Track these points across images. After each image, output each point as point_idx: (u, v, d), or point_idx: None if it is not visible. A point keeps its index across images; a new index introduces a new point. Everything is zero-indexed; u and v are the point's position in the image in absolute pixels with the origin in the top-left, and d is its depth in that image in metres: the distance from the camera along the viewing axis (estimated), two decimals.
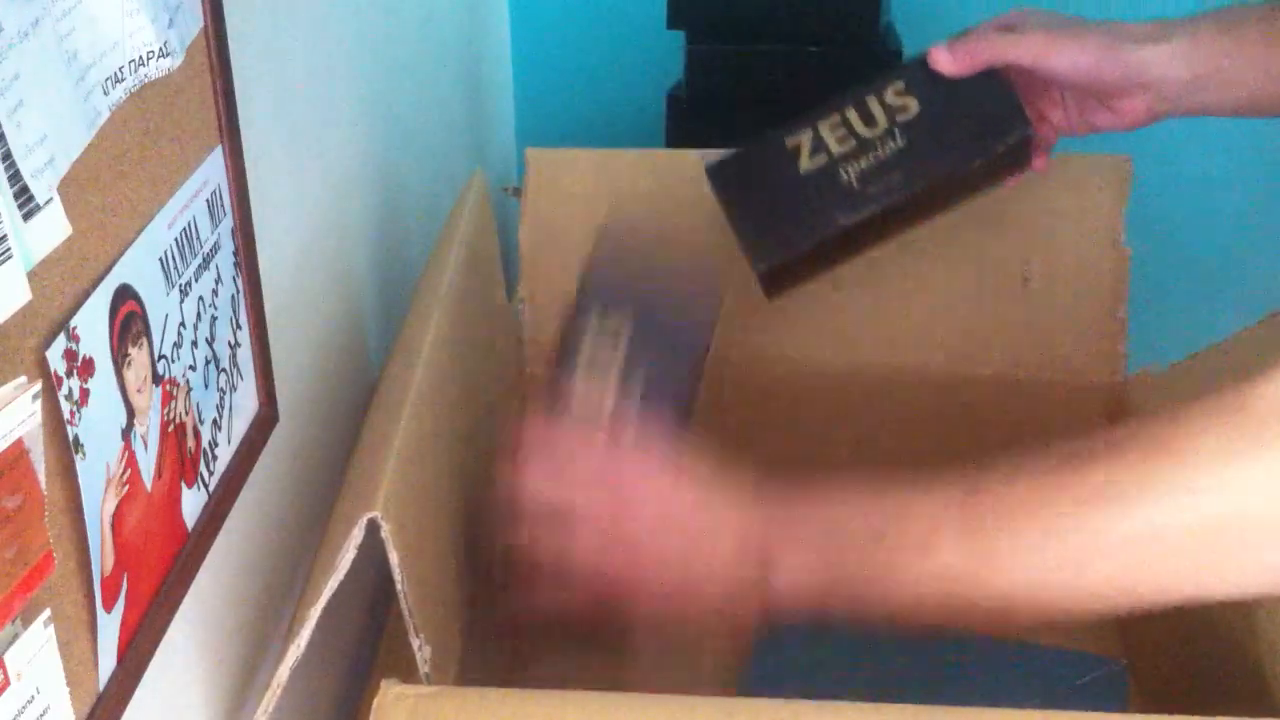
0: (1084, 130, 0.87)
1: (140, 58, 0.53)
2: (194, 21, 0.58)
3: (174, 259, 0.57)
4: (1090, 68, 0.82)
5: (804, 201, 0.86)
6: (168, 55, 0.55)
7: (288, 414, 0.74)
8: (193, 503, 0.60)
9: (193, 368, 0.59)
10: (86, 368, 0.49)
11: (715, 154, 0.88)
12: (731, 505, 0.67)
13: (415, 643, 0.64)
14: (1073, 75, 0.83)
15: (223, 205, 0.63)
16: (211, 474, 0.63)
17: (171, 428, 0.57)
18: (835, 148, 0.86)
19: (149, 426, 0.54)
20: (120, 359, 0.51)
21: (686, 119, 1.40)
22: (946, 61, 0.85)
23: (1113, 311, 0.98)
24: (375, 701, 0.57)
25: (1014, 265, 0.99)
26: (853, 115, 0.87)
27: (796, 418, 1.04)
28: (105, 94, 0.50)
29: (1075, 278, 0.98)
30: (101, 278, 0.50)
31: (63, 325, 0.47)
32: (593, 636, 0.72)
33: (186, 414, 0.59)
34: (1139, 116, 0.84)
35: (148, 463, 0.55)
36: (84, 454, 0.48)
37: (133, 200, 0.53)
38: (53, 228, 0.46)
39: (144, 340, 0.54)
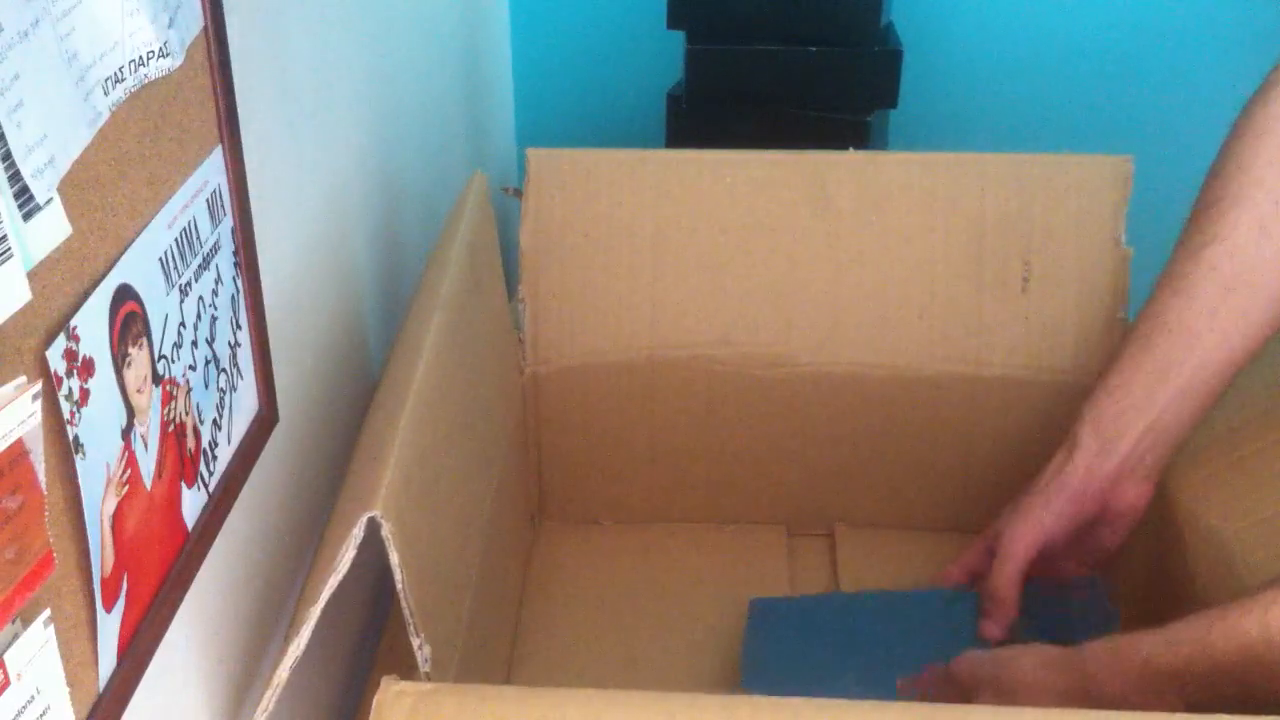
0: (1103, 555, 0.88)
1: (140, 58, 0.53)
2: (194, 21, 0.58)
3: (174, 259, 0.57)
4: (1076, 514, 0.85)
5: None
6: (168, 55, 0.55)
7: (288, 414, 0.74)
8: (193, 503, 0.60)
9: (193, 368, 0.59)
10: (86, 368, 0.49)
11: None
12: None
13: (415, 642, 0.64)
14: (1067, 532, 0.85)
15: (223, 205, 0.63)
16: (211, 474, 0.63)
17: (171, 428, 0.57)
18: None
19: (149, 426, 0.55)
20: (120, 359, 0.51)
21: (686, 119, 1.40)
22: (993, 629, 0.86)
23: (1114, 312, 0.98)
24: (375, 699, 0.57)
25: (1014, 265, 0.99)
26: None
27: (796, 418, 1.04)
28: (105, 94, 0.50)
29: (1076, 278, 0.98)
30: (101, 278, 0.50)
31: (63, 325, 0.47)
32: None
33: (186, 414, 0.59)
34: (1143, 502, 0.86)
35: (148, 463, 0.55)
36: (84, 454, 0.48)
37: (133, 200, 0.53)
38: (53, 228, 0.46)
39: (144, 340, 0.54)
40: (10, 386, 0.43)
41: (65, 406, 0.47)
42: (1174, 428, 0.83)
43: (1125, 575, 0.92)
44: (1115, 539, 0.87)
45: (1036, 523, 0.84)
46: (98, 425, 0.50)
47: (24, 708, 0.45)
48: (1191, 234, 0.83)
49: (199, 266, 0.60)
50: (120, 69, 0.51)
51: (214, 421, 0.63)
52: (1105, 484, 0.84)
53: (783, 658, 0.90)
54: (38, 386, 0.44)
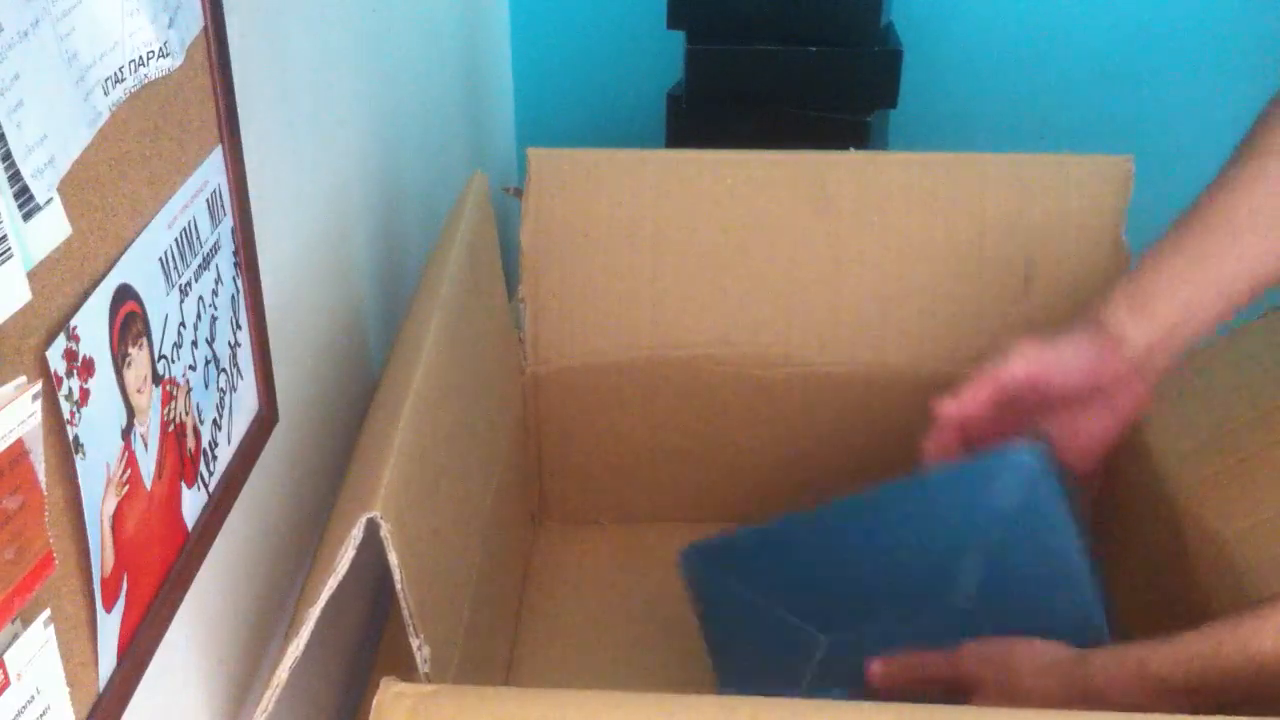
0: (1093, 443, 0.83)
1: (140, 58, 0.53)
2: (194, 21, 0.58)
3: (174, 259, 0.57)
4: (1089, 366, 0.79)
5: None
6: (168, 55, 0.55)
7: (288, 414, 0.74)
8: (193, 503, 0.60)
9: (193, 368, 0.59)
10: (86, 368, 0.49)
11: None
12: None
13: (415, 642, 0.64)
14: (1074, 376, 0.79)
15: (223, 205, 0.63)
16: (211, 474, 0.63)
17: (171, 428, 0.57)
18: None
19: (149, 426, 0.54)
20: (120, 359, 0.51)
21: (686, 119, 1.40)
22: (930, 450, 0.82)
23: None
24: (375, 700, 0.57)
25: (1015, 265, 0.99)
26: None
27: (797, 419, 1.04)
28: (105, 94, 0.50)
29: (1077, 278, 0.98)
30: (101, 278, 0.50)
31: (63, 325, 0.47)
32: None
33: (186, 414, 0.59)
34: (1144, 404, 0.81)
35: (148, 463, 0.55)
36: (84, 454, 0.48)
37: (133, 200, 0.53)
38: (53, 228, 0.46)
39: (144, 340, 0.54)
40: (10, 386, 0.43)
41: (65, 406, 0.47)
42: (1194, 323, 0.79)
43: (1126, 576, 0.92)
44: (1107, 430, 0.82)
45: (1049, 348, 0.79)
46: (98, 425, 0.50)
47: (24, 708, 0.45)
48: (1244, 145, 0.81)
49: (199, 266, 0.60)
50: (120, 69, 0.51)
51: (214, 421, 0.63)
52: (1121, 361, 0.79)
53: (746, 657, 0.88)
54: (38, 386, 0.44)
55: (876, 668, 0.78)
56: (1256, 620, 0.62)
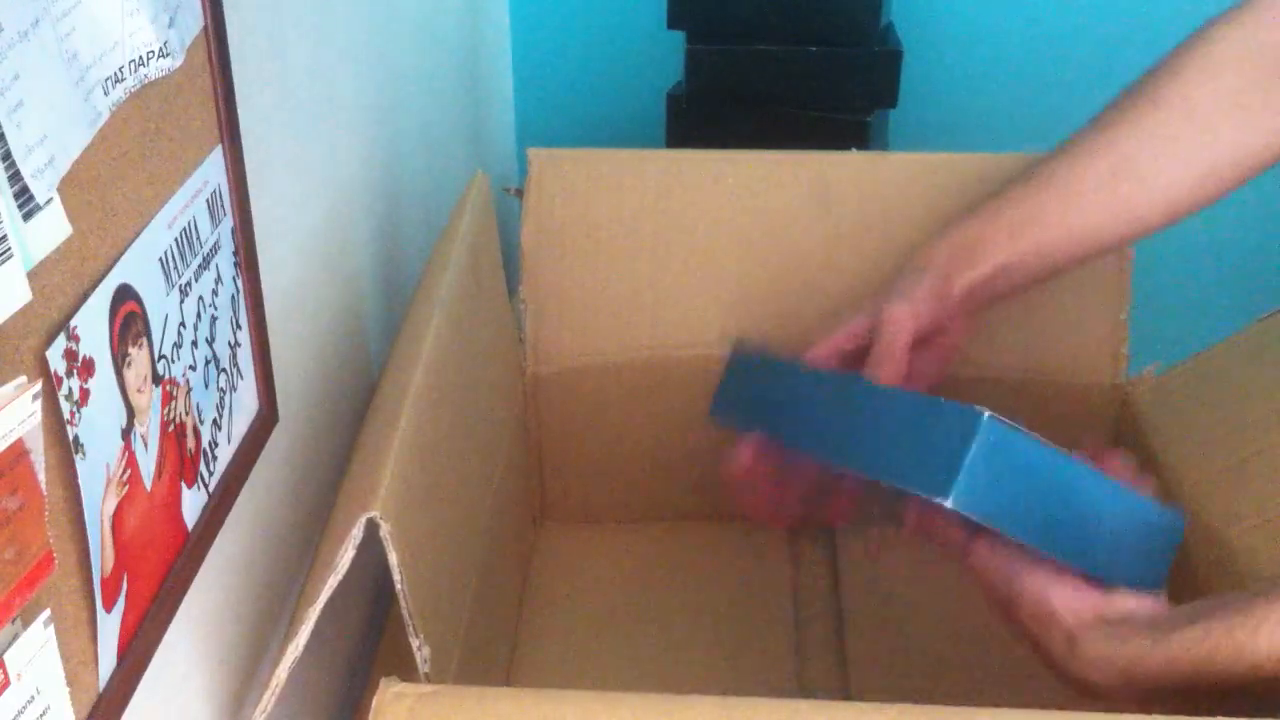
0: (923, 383, 0.84)
1: (140, 58, 0.53)
2: (194, 21, 0.58)
3: (174, 259, 0.57)
4: (930, 311, 0.82)
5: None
6: (168, 55, 0.55)
7: (288, 414, 0.74)
8: (193, 503, 0.60)
9: (193, 368, 0.59)
10: (86, 368, 0.49)
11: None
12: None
13: (415, 643, 0.64)
14: (923, 321, 0.82)
15: (223, 205, 0.63)
16: (211, 474, 0.63)
17: (171, 428, 0.57)
18: None
19: (149, 426, 0.54)
20: (120, 359, 0.51)
21: (686, 119, 1.40)
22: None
23: (1115, 313, 0.98)
24: (374, 700, 0.57)
25: None
26: None
27: None
28: (105, 94, 0.50)
29: (1076, 279, 0.98)
30: (101, 278, 0.50)
31: (63, 325, 0.47)
32: None
33: (186, 414, 0.59)
34: (964, 339, 0.85)
35: (148, 463, 0.55)
36: (84, 454, 0.48)
37: (133, 200, 0.53)
38: (53, 228, 0.46)
39: (144, 340, 0.54)
40: (10, 386, 0.43)
41: (65, 406, 0.47)
42: (1017, 278, 0.83)
43: None
44: (939, 369, 0.85)
45: (915, 306, 0.82)
46: (98, 425, 0.50)
47: (24, 708, 0.45)
48: (1106, 110, 0.83)
49: (199, 266, 0.60)
50: (120, 69, 0.51)
51: (214, 421, 0.63)
52: (949, 302, 0.82)
53: (749, 403, 0.87)
54: (38, 386, 0.44)
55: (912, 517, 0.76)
56: (1247, 625, 0.62)
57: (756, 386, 0.88)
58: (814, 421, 0.81)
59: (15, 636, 0.44)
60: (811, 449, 0.81)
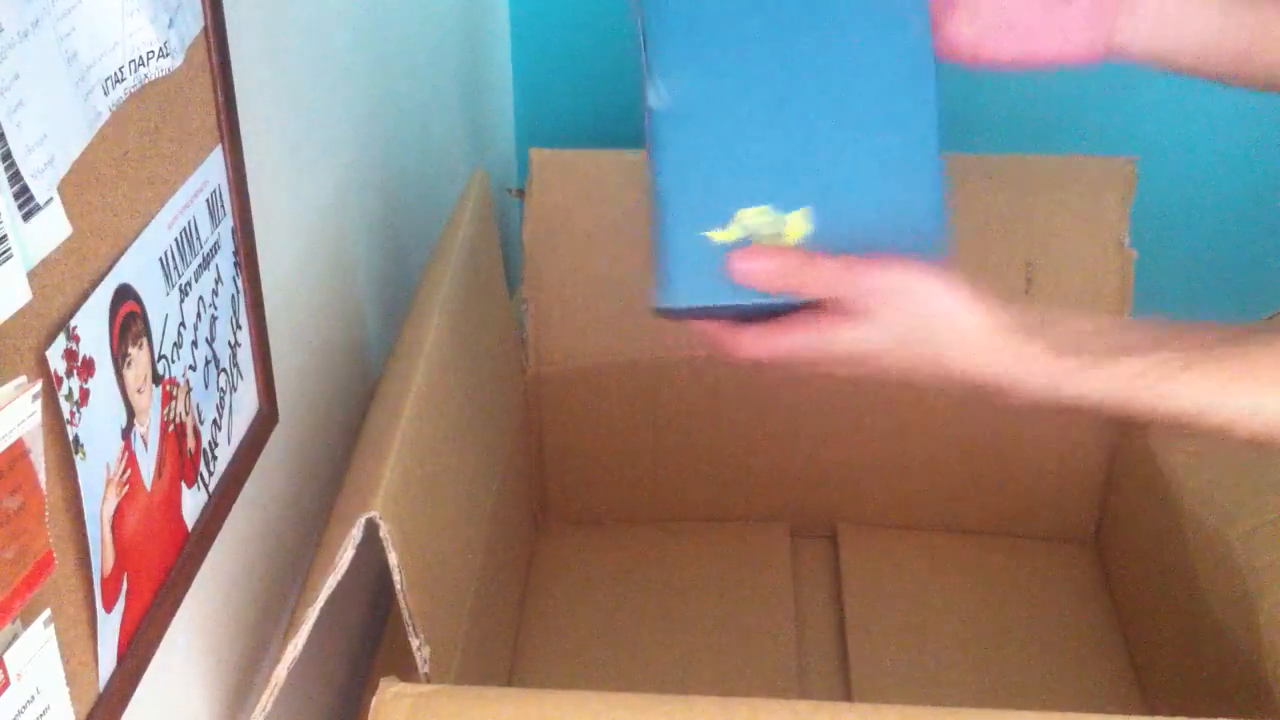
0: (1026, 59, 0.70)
1: (140, 58, 0.53)
2: (194, 21, 0.58)
3: (174, 259, 0.57)
4: None
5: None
6: (168, 55, 0.55)
7: (288, 414, 0.74)
8: (193, 503, 0.60)
9: (193, 368, 0.59)
10: (86, 368, 0.49)
11: None
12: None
13: (415, 642, 0.64)
14: None
15: (223, 205, 0.63)
16: (211, 474, 0.63)
17: (171, 428, 0.57)
18: None
19: (149, 426, 0.54)
20: (120, 359, 0.51)
21: None
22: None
23: (1118, 313, 0.98)
24: (374, 700, 0.57)
25: (1017, 267, 0.99)
26: None
27: (798, 418, 1.04)
28: (105, 94, 0.50)
29: (1079, 280, 0.98)
30: (101, 278, 0.50)
31: (63, 325, 0.47)
32: None
33: (186, 414, 0.59)
34: (1093, 46, 0.69)
35: (148, 463, 0.55)
36: (84, 454, 0.48)
37: (133, 200, 0.53)
38: (53, 228, 0.46)
39: (144, 340, 0.54)
40: (10, 386, 0.43)
41: (65, 406, 0.47)
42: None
43: (1128, 577, 0.92)
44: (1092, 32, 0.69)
45: None
46: (98, 425, 0.50)
47: (24, 708, 0.45)
48: None
49: (199, 266, 0.60)
50: (120, 69, 0.51)
51: (214, 421, 0.62)
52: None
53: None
54: (38, 386, 0.44)
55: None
56: (1181, 373, 0.60)
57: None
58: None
59: (15, 636, 0.44)
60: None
